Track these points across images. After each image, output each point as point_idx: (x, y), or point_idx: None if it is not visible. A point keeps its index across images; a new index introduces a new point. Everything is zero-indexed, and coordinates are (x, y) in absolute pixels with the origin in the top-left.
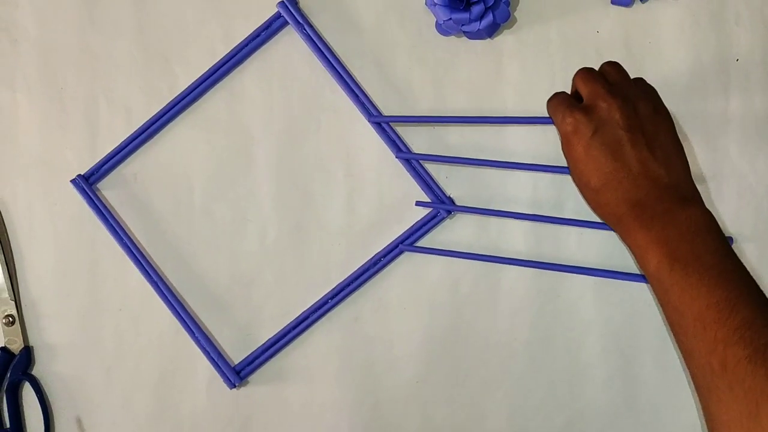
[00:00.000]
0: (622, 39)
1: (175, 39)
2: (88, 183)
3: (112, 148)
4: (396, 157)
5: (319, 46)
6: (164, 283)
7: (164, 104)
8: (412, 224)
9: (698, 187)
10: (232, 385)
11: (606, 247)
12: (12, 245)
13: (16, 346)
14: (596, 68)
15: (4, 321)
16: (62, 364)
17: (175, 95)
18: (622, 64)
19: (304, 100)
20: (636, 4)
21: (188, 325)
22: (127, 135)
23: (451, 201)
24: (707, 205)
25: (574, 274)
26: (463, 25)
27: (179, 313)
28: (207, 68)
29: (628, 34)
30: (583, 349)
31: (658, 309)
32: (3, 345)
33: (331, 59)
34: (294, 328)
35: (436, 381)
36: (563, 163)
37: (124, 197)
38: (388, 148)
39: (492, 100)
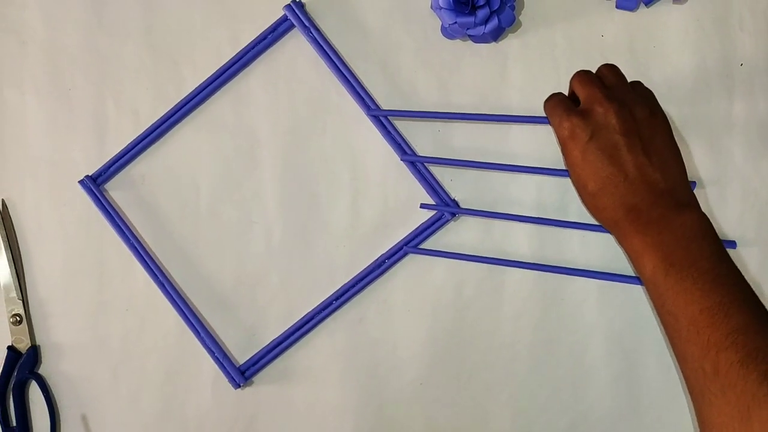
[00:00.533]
0: (627, 43)
1: (183, 41)
2: (95, 184)
3: (120, 150)
4: (401, 160)
5: (325, 49)
6: (170, 284)
7: (171, 106)
8: (416, 226)
9: (701, 190)
10: (237, 385)
11: (609, 251)
12: (20, 245)
13: (23, 345)
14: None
15: (11, 320)
16: (69, 363)
17: (183, 97)
18: (627, 68)
19: (309, 103)
20: (640, 8)
21: (194, 325)
22: (135, 136)
23: (456, 204)
24: (711, 209)
25: (578, 277)
26: (468, 28)
27: (185, 313)
28: (214, 70)
29: (633, 38)
30: (587, 351)
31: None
32: (10, 344)
33: (336, 62)
34: (299, 328)
35: (439, 382)
36: None
37: (131, 198)
38: (393, 150)
39: (497, 104)
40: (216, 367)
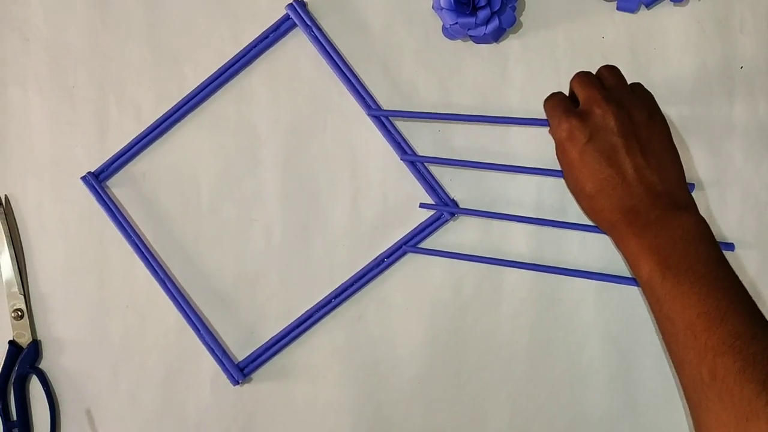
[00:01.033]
0: (628, 45)
1: (185, 40)
2: (97, 180)
3: (122, 147)
4: (401, 160)
5: (327, 48)
6: (171, 281)
7: (173, 104)
8: (415, 226)
9: (701, 192)
10: (236, 382)
11: (608, 251)
12: (22, 241)
13: (25, 340)
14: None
15: (13, 315)
16: (69, 358)
17: (184, 95)
18: (627, 70)
19: (310, 102)
20: (641, 10)
21: (193, 322)
22: (137, 134)
23: (455, 203)
24: (710, 211)
25: (576, 278)
26: (469, 29)
27: (185, 310)
28: (216, 69)
29: (634, 40)
30: (585, 352)
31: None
32: (12, 338)
33: (338, 61)
34: (298, 326)
35: (437, 381)
36: None
37: (132, 195)
38: (393, 150)
39: (497, 104)
40: (215, 363)
